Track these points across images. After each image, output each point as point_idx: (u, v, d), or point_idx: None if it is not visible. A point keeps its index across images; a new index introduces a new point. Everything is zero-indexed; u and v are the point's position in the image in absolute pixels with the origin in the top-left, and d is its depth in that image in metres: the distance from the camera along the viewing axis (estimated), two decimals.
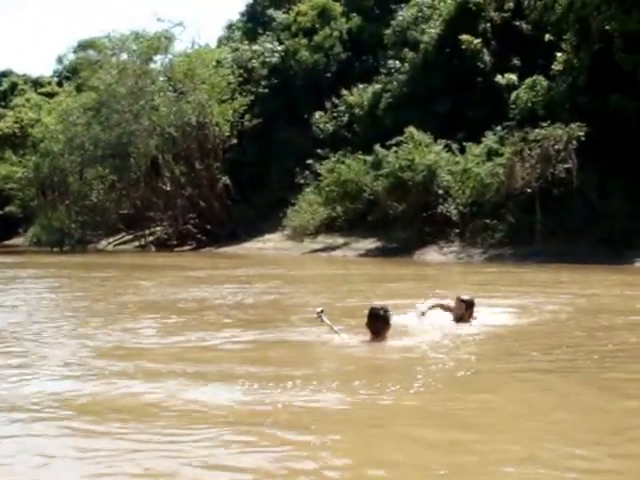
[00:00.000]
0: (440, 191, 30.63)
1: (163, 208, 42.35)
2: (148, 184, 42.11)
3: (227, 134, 40.92)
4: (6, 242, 60.33)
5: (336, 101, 40.24)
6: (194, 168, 41.39)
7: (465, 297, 10.41)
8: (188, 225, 41.53)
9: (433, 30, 35.98)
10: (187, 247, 40.61)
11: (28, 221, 55.09)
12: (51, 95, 60.30)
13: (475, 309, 10.41)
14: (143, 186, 42.36)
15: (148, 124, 40.76)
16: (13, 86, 70.68)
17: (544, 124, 26.90)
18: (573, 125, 26.18)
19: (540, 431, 5.59)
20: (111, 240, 44.90)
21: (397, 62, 38.24)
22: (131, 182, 42.84)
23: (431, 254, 29.32)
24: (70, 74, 62.19)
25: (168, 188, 41.91)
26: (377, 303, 9.22)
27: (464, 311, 10.19)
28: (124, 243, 44.86)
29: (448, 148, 31.52)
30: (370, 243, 32.42)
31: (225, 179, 41.06)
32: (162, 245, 41.36)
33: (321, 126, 40.05)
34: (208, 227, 40.72)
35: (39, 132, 45.76)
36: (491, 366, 8.04)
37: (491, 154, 29.77)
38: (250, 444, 5.26)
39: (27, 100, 62.94)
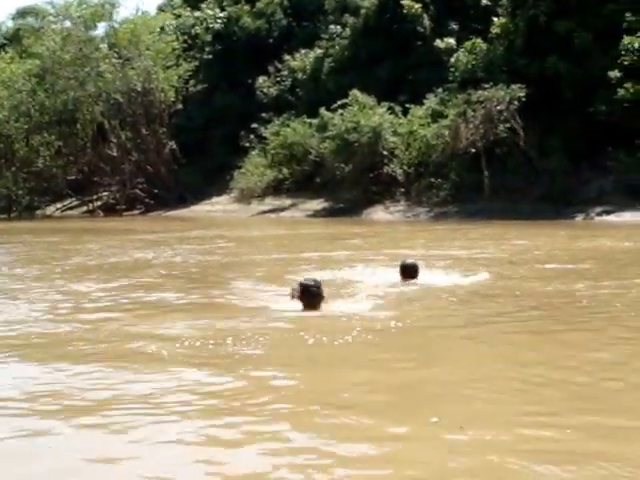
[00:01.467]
0: (385, 152, 30.85)
1: (110, 173, 41.69)
2: (95, 150, 41.46)
3: (172, 100, 40.45)
4: None
5: (279, 66, 40.02)
6: (140, 133, 40.86)
7: (407, 262, 10.50)
8: (136, 189, 41.02)
9: None
10: (136, 211, 40.19)
11: None
12: None
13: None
14: (90, 152, 41.65)
15: (94, 91, 40.09)
16: None
17: (486, 86, 27.27)
18: (514, 86, 26.60)
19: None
20: (59, 206, 44.05)
21: (338, 27, 38.24)
22: (78, 148, 42.09)
23: (378, 213, 29.62)
24: (8, 41, 60.57)
25: (115, 153, 41.33)
26: (308, 278, 8.80)
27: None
28: (72, 209, 44.06)
29: (391, 110, 31.73)
30: (318, 204, 32.55)
31: (171, 144, 40.62)
32: (110, 210, 40.78)
33: (265, 90, 39.80)
34: (156, 191, 40.30)
35: None
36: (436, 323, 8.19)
37: (435, 116, 30.06)
38: None
39: None
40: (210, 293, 10.57)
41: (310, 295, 8.25)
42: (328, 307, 8.40)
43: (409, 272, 10.27)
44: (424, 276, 10.47)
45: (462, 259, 14.01)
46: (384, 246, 17.73)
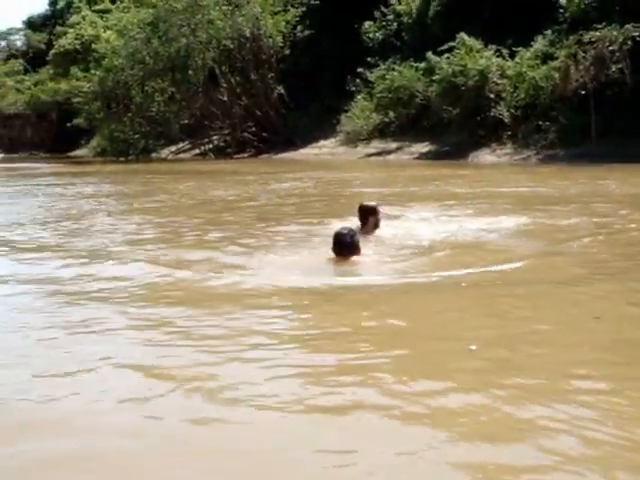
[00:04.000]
0: (492, 95, 30.02)
1: (221, 117, 42.13)
2: (206, 95, 41.75)
3: (280, 45, 40.34)
4: (70, 154, 60.75)
5: (385, 10, 39.25)
6: (249, 79, 40.93)
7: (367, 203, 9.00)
8: (245, 133, 41.35)
9: None
10: (245, 154, 40.49)
11: (91, 133, 55.23)
12: (105, 12, 59.54)
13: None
14: (201, 97, 42.00)
15: (205, 37, 40.16)
16: (69, 4, 70.04)
17: (598, 26, 26.07)
18: (628, 26, 25.33)
19: None
20: (173, 149, 44.80)
21: None
22: (190, 93, 42.40)
23: (484, 156, 28.92)
24: None
25: (225, 98, 41.60)
26: (344, 227, 7.81)
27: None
28: (185, 152, 44.82)
29: (499, 53, 30.80)
30: (423, 147, 32.04)
31: (279, 89, 40.61)
32: (221, 153, 41.32)
33: (370, 35, 39.18)
34: (265, 135, 40.50)
35: (102, 47, 45.30)
36: None
37: (544, 58, 29.02)
38: None
39: (83, 18, 62.34)
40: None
41: (343, 246, 7.43)
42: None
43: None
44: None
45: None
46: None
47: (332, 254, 7.50)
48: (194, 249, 9.01)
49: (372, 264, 7.47)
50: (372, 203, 8.97)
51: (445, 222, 10.41)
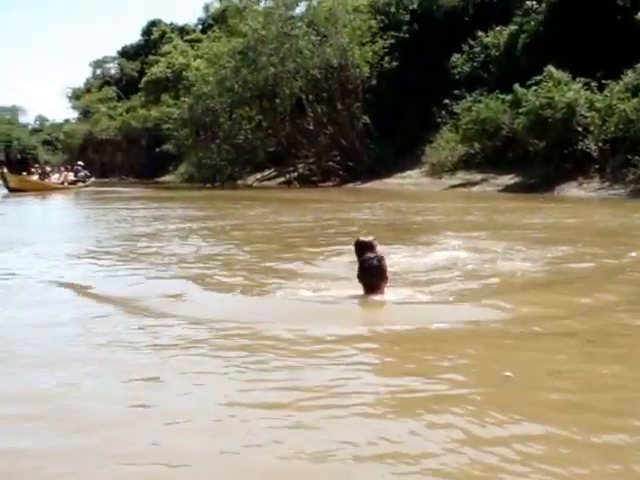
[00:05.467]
0: (579, 128, 29.44)
1: (307, 146, 42.31)
2: (292, 123, 42.04)
3: (367, 75, 40.34)
4: (158, 179, 61.92)
5: (472, 43, 39.04)
6: (336, 108, 41.04)
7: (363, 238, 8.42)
8: (330, 162, 41.44)
9: None
10: (330, 183, 40.53)
11: (179, 159, 56.21)
12: (196, 42, 60.86)
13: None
14: (288, 125, 42.31)
15: (293, 66, 40.56)
16: (162, 34, 71.88)
17: None
18: None
19: None
20: (258, 176, 45.27)
21: (534, 2, 36.70)
22: (277, 121, 42.82)
23: (571, 190, 28.30)
24: (214, 21, 62.51)
25: (311, 127, 41.79)
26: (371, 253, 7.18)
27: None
28: (270, 179, 45.15)
29: (587, 86, 30.26)
30: (509, 179, 31.55)
31: (365, 118, 40.59)
32: (306, 181, 41.43)
33: (457, 67, 38.98)
34: (350, 164, 40.49)
35: (192, 75, 46.20)
36: None
37: (635, 91, 28.39)
38: None
39: (174, 47, 63.88)
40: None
41: (370, 273, 6.72)
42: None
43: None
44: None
45: None
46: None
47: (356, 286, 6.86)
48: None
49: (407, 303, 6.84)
50: (369, 238, 8.42)
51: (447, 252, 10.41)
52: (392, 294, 6.84)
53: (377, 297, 6.72)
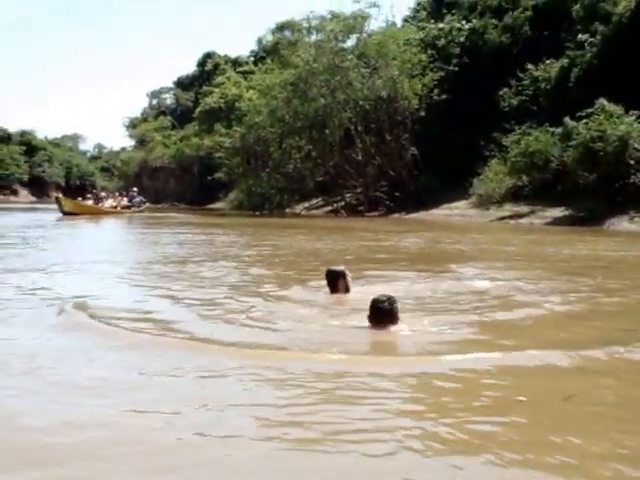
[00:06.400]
0: (632, 162, 28.71)
1: (355, 176, 42.18)
2: (341, 153, 41.98)
3: (416, 107, 40.14)
4: (209, 206, 62.25)
5: (521, 75, 38.52)
6: (384, 139, 40.91)
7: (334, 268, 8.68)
8: (378, 192, 41.16)
9: (627, 2, 33.69)
10: (376, 213, 40.18)
11: (229, 187, 56.45)
12: (248, 73, 61.38)
13: None
14: (337, 155, 42.24)
15: (343, 98, 40.59)
16: (216, 66, 72.67)
17: None
18: None
19: None
20: (306, 205, 45.20)
21: (586, 36, 36.06)
22: (326, 151, 42.74)
23: (622, 224, 27.49)
24: (266, 54, 62.99)
25: (360, 157, 41.65)
26: (382, 295, 6.74)
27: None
28: (317, 208, 45.06)
29: None
30: (558, 212, 30.81)
31: (413, 150, 40.33)
32: (353, 210, 41.19)
33: (506, 100, 38.47)
34: (397, 194, 40.13)
35: (245, 106, 46.48)
36: None
37: None
38: None
39: (228, 78, 64.49)
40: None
41: (380, 313, 6.54)
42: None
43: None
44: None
45: None
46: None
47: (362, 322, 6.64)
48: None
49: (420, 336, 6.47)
50: (340, 267, 8.74)
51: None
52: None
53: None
